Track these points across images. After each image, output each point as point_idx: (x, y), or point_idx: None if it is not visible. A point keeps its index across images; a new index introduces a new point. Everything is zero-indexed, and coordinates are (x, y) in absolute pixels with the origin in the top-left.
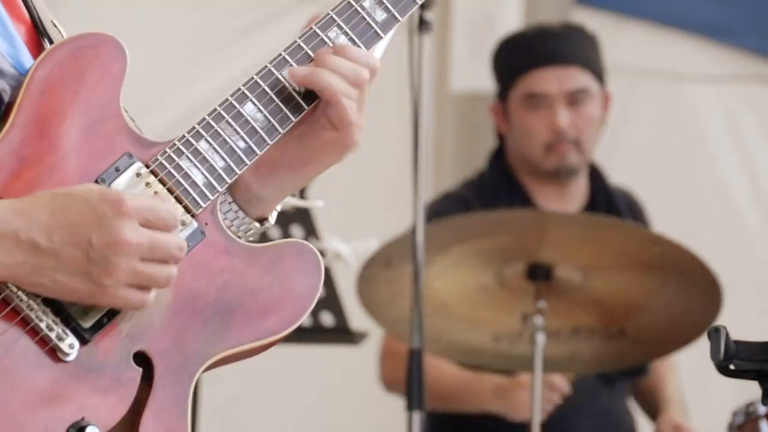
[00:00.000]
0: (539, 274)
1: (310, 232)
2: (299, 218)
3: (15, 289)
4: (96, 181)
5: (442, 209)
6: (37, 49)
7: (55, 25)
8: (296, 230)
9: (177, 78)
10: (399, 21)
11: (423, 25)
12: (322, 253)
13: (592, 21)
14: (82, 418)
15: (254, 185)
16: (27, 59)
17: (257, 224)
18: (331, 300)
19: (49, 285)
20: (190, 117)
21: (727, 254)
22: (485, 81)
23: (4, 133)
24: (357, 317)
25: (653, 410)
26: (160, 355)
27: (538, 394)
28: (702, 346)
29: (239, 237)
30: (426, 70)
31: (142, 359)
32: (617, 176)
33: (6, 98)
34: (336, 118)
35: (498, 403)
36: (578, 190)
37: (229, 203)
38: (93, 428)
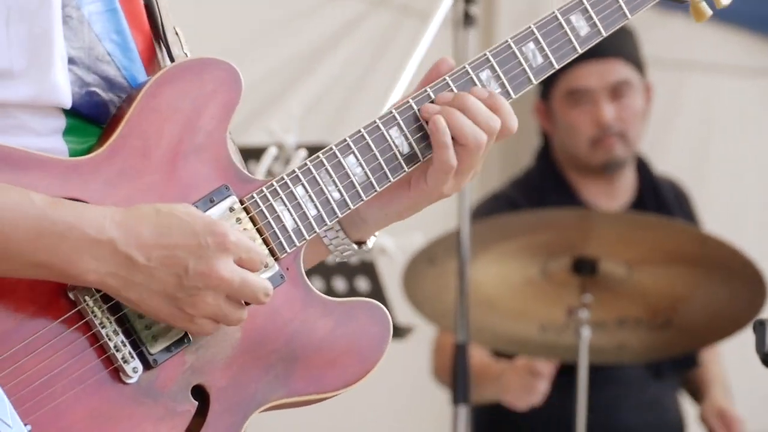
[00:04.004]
0: (584, 268)
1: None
2: None
3: (91, 304)
4: None
5: (490, 212)
6: (151, 60)
7: (177, 33)
8: None
9: None
10: (555, 69)
11: (468, 19)
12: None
13: (636, 15)
14: None
15: (362, 208)
16: (141, 72)
17: (355, 246)
18: (376, 294)
19: (135, 300)
20: None
21: None
22: None
23: (109, 144)
24: (402, 311)
25: (698, 394)
26: (218, 392)
27: (582, 388)
28: (746, 338)
29: (335, 255)
30: None
31: (200, 393)
32: (664, 168)
33: (113, 110)
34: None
35: (493, 389)
36: (625, 185)
37: None
38: None
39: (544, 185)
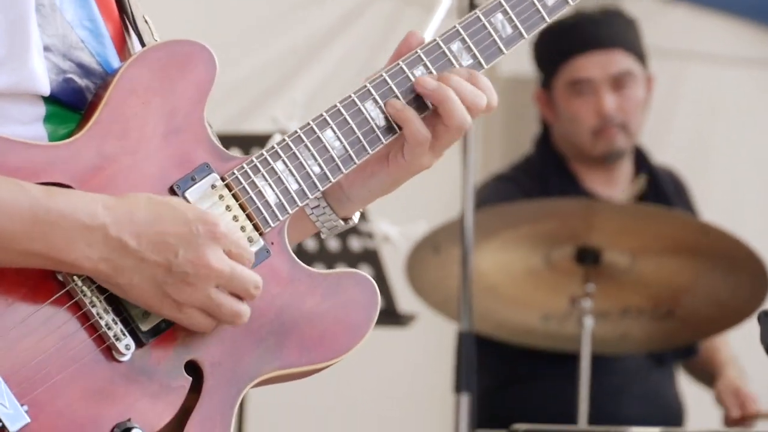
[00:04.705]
0: (588, 257)
1: (360, 214)
2: None
3: (80, 284)
4: (171, 188)
5: (496, 192)
6: (122, 47)
7: (146, 21)
8: None
9: (226, 54)
10: (524, 38)
11: (472, 8)
12: (371, 236)
13: (638, 5)
14: (129, 420)
15: (345, 185)
16: (114, 58)
17: (342, 222)
18: (379, 282)
19: (125, 286)
20: (237, 93)
21: None
22: (534, 65)
23: (88, 128)
24: (405, 299)
25: (709, 376)
26: (212, 367)
27: (585, 378)
28: (750, 330)
29: (322, 232)
30: None
31: (193, 369)
32: (664, 158)
33: (90, 96)
34: (450, 132)
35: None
36: (624, 174)
37: (318, 199)
38: (138, 431)
39: (544, 169)
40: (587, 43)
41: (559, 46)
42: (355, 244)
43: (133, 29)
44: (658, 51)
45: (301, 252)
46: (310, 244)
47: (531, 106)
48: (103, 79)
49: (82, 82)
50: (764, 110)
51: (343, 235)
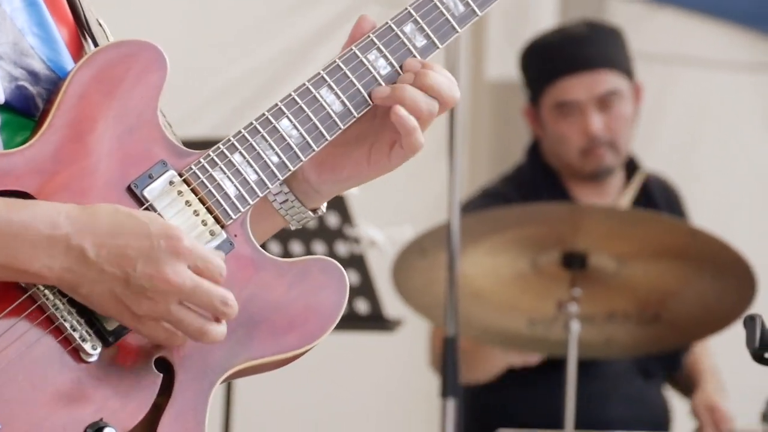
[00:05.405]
0: (574, 262)
1: (346, 219)
2: (334, 206)
3: (42, 288)
4: (129, 187)
5: (481, 207)
6: (78, 51)
7: (100, 24)
8: (332, 218)
9: (218, 56)
10: (478, 16)
11: None
12: (357, 241)
13: (625, 9)
14: (101, 420)
15: (314, 181)
16: (68, 62)
17: (311, 213)
18: (365, 287)
19: (86, 295)
20: (229, 95)
21: (762, 243)
22: (521, 78)
23: (41, 133)
24: (391, 304)
25: (689, 387)
26: (181, 361)
27: (571, 382)
28: (736, 333)
29: (292, 225)
30: (462, 58)
31: (164, 365)
32: (652, 164)
33: (41, 103)
34: (408, 138)
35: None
36: (615, 184)
37: (286, 193)
38: (111, 430)
39: (535, 181)
40: (572, 64)
41: (544, 67)
42: (342, 249)
43: (87, 33)
44: (645, 56)
45: (286, 257)
46: (296, 249)
47: (518, 110)
48: (55, 83)
49: (33, 89)
50: (753, 114)
51: (329, 240)
